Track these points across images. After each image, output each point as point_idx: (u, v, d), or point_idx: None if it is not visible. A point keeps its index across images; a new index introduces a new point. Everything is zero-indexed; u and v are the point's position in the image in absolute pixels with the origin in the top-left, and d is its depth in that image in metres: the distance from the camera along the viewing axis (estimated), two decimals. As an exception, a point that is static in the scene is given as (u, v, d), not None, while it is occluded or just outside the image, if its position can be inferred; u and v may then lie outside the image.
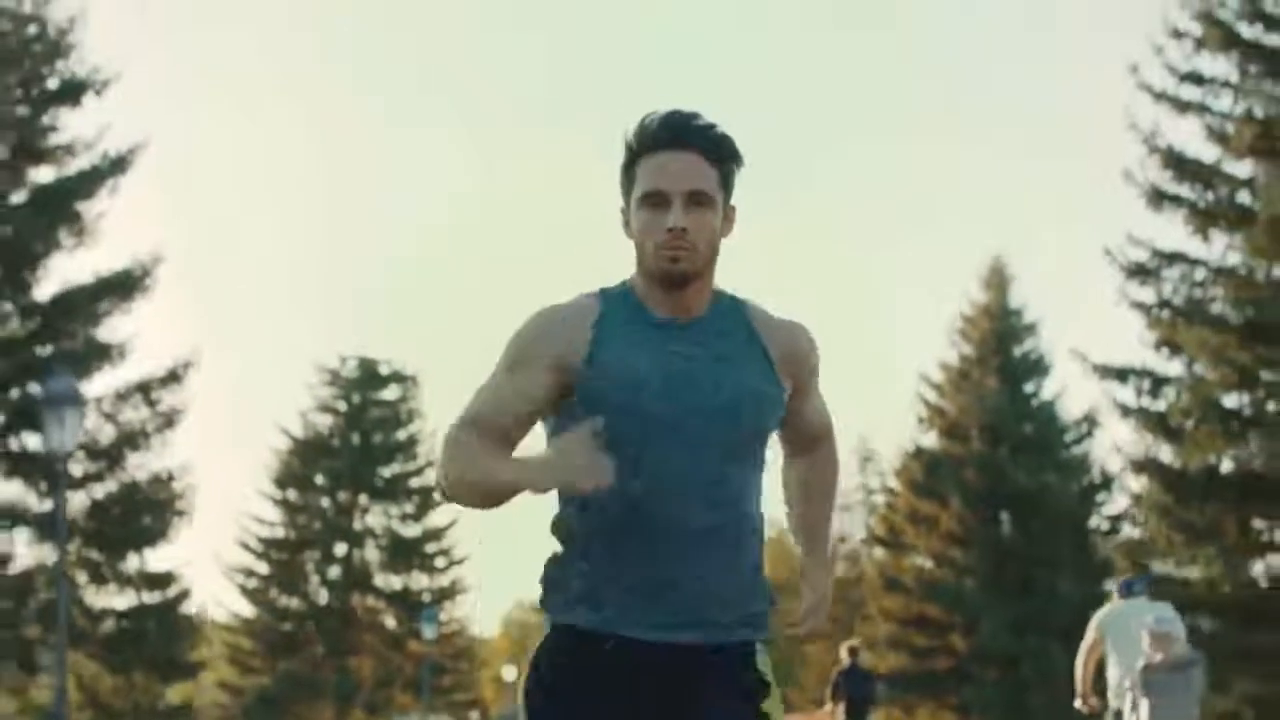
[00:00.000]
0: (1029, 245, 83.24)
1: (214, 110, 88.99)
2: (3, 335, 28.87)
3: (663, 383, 3.32)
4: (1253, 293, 28.32)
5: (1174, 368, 29.41)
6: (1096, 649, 11.98)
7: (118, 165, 29.40)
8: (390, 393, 49.47)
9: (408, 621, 47.33)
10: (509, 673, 63.33)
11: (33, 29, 29.39)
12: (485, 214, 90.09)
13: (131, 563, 30.14)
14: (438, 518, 48.57)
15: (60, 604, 19.49)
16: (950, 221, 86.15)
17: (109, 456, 29.69)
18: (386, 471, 48.60)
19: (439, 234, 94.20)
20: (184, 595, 31.38)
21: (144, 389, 29.96)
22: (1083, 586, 38.95)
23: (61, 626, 19.23)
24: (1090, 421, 43.59)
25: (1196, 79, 29.20)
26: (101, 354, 29.33)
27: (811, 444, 3.66)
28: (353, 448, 48.08)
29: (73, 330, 29.13)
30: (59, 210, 28.89)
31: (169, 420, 30.19)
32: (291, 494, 48.06)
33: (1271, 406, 28.19)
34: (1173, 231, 31.42)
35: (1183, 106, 29.19)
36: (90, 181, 29.23)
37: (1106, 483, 42.66)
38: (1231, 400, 28.81)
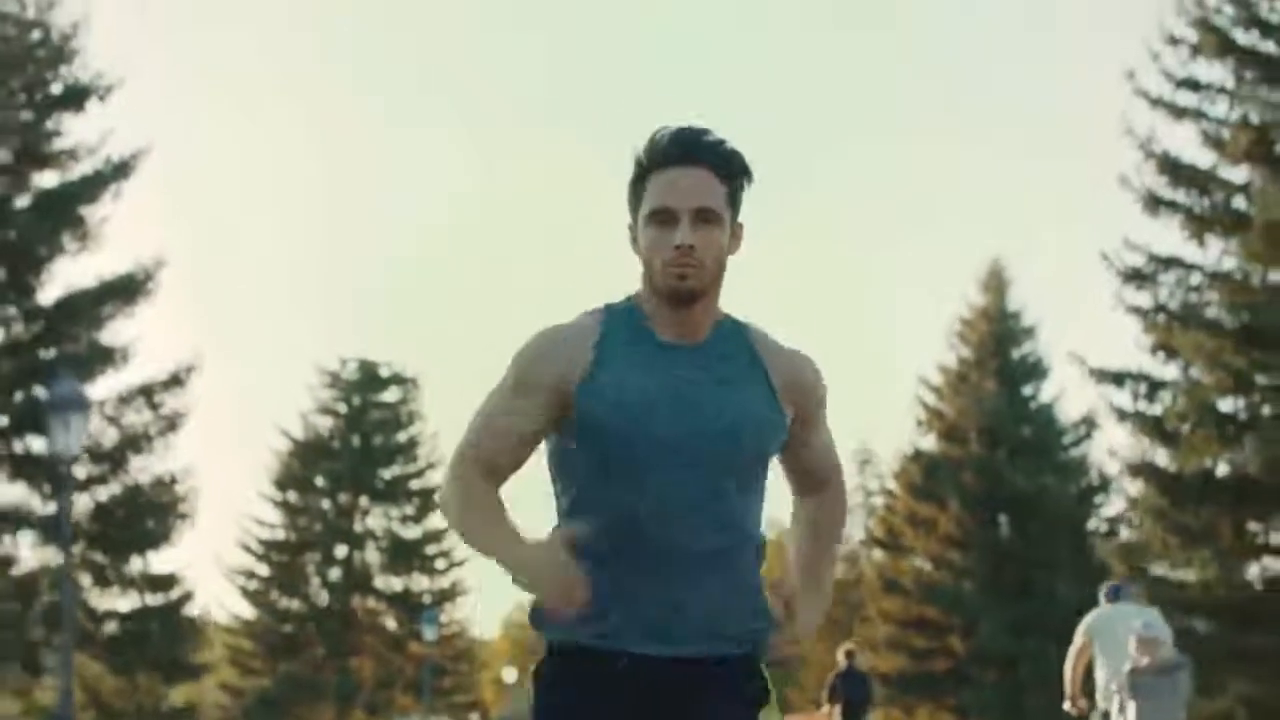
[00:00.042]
0: (1028, 247, 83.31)
1: (214, 112, 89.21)
2: (7, 339, 29.00)
3: (662, 406, 3.31)
4: (1248, 297, 28.41)
5: (1170, 372, 29.50)
6: (1085, 652, 12.20)
7: (121, 170, 29.53)
8: (390, 395, 49.57)
9: (408, 623, 47.41)
10: (509, 674, 63.42)
11: (36, 34, 29.52)
12: (485, 214, 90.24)
13: (135, 565, 30.26)
14: (438, 520, 48.60)
15: (66, 607, 19.63)
16: (949, 223, 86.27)
17: (112, 459, 29.81)
18: (387, 473, 48.69)
19: (439, 235, 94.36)
20: (187, 597, 31.51)
21: (147, 392, 30.08)
22: (1081, 588, 38.99)
23: (67, 629, 19.34)
24: (1088, 424, 43.68)
25: (1192, 85, 29.29)
26: (105, 357, 29.46)
27: (819, 485, 3.62)
28: (353, 450, 48.17)
29: (76, 334, 29.24)
30: (62, 214, 29.02)
31: (172, 423, 30.31)
32: (292, 496, 48.15)
33: (1267, 411, 28.26)
34: (1169, 236, 31.50)
35: (1179, 112, 29.27)
36: (93, 186, 29.36)
37: (1104, 485, 42.75)
38: (1227, 404, 28.88)
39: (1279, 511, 28.23)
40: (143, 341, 30.30)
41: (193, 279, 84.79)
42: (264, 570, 47.46)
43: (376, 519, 48.67)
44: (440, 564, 48.58)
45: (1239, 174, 29.12)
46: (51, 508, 28.20)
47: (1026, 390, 44.79)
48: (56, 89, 29.64)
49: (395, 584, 48.55)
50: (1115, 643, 11.81)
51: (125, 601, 30.57)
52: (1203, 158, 29.31)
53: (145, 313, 30.48)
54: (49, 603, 27.99)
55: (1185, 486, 28.47)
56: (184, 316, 62.21)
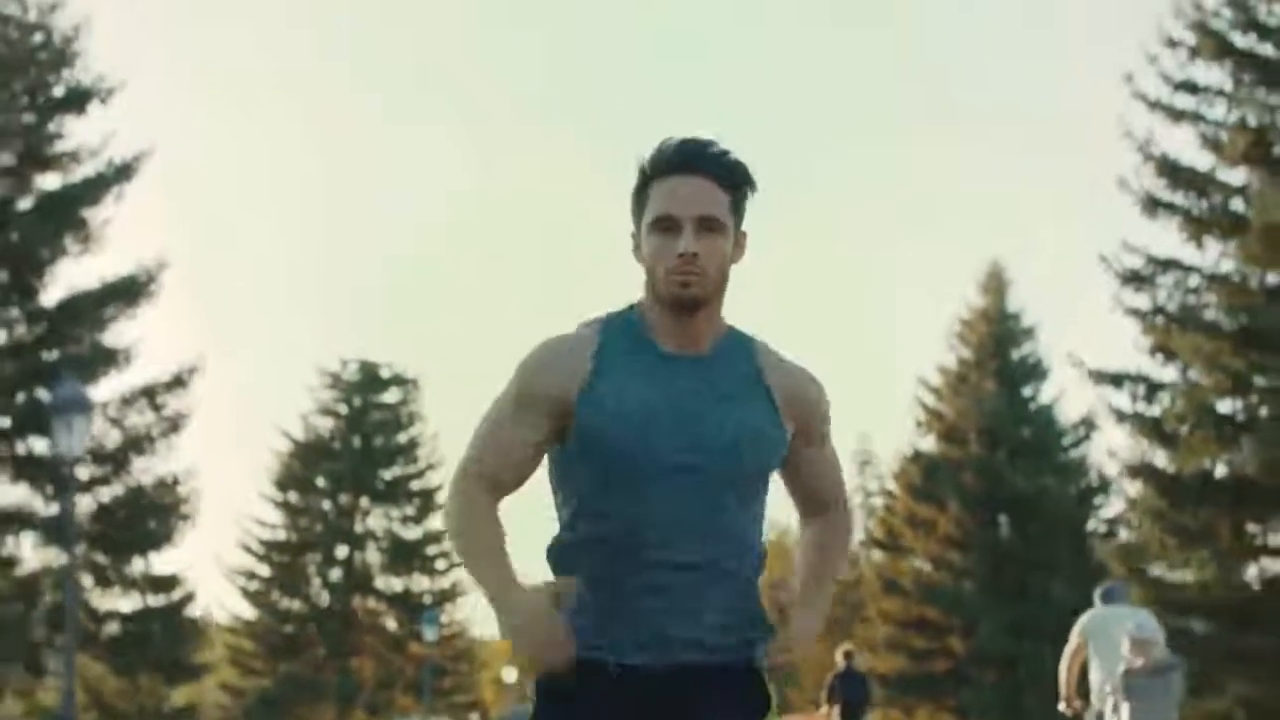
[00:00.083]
0: (1028, 247, 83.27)
1: (212, 112, 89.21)
2: (9, 340, 29.07)
3: (664, 418, 3.30)
4: (1246, 299, 28.47)
5: (1169, 373, 29.53)
6: (1080, 654, 12.31)
7: (123, 172, 29.60)
8: (391, 395, 49.66)
9: (409, 623, 47.48)
10: (509, 675, 63.48)
11: (38, 37, 29.58)
12: (484, 213, 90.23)
13: (136, 566, 30.33)
14: (438, 520, 48.68)
15: (69, 608, 19.71)
16: (949, 223, 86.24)
17: (114, 461, 29.88)
18: (387, 474, 48.77)
19: (438, 234, 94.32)
20: (189, 598, 31.58)
21: (149, 394, 30.15)
22: (1080, 589, 39.06)
23: (70, 630, 19.42)
24: (1088, 425, 43.72)
25: (1190, 88, 29.35)
26: (107, 359, 29.53)
27: (821, 508, 3.59)
28: (354, 450, 48.25)
29: (78, 335, 29.32)
30: (65, 217, 29.09)
31: (174, 425, 30.37)
32: (293, 496, 48.22)
33: (1265, 412, 28.31)
34: (1167, 238, 31.51)
35: (1177, 115, 29.32)
36: (96, 188, 29.43)
37: (1104, 486, 42.76)
38: (1225, 406, 28.93)
39: (1277, 512, 28.29)
40: (145, 343, 30.37)
41: (194, 280, 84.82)
42: (265, 571, 47.54)
43: (377, 519, 48.76)
44: (441, 564, 48.65)
45: (1237, 176, 29.19)
46: (54, 509, 28.29)
47: (1026, 391, 44.85)
48: (58, 91, 29.71)
49: (396, 584, 48.64)
50: (1109, 644, 11.91)
51: (127, 602, 30.66)
52: (1201, 160, 29.41)
53: (147, 314, 30.51)
54: (51, 603, 28.09)
55: (1184, 487, 28.54)
56: (186, 318, 62.27)
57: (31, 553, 28.98)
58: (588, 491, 3.34)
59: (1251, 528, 28.64)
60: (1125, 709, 11.35)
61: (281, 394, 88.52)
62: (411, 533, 48.76)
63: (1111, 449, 32.18)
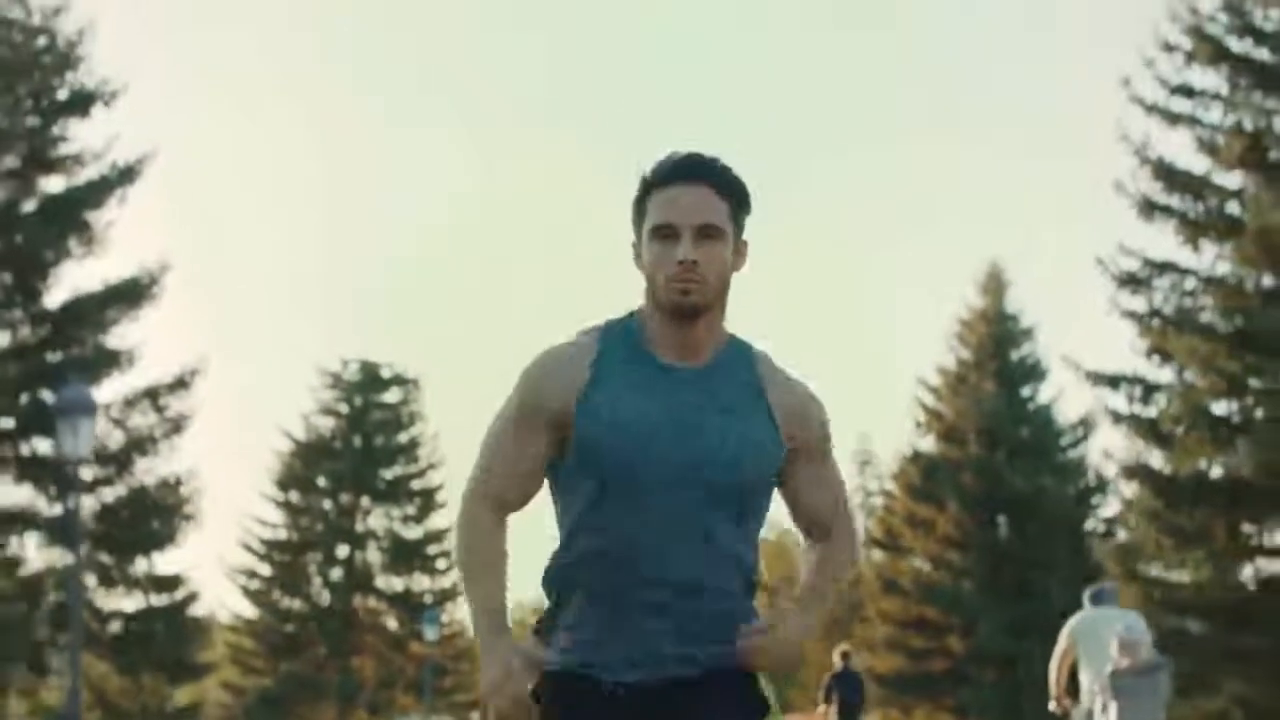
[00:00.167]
0: (1027, 248, 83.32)
1: (214, 114, 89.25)
2: (13, 342, 29.18)
3: (664, 430, 3.30)
4: (1242, 302, 28.57)
5: (1165, 375, 29.61)
6: (1069, 655, 12.55)
7: (126, 175, 29.65)
8: (392, 395, 49.72)
9: (409, 623, 47.54)
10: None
11: (42, 41, 29.64)
12: (485, 214, 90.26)
13: (140, 566, 30.45)
14: (439, 520, 48.82)
15: (73, 608, 19.85)
16: (948, 224, 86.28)
17: (118, 461, 29.96)
18: (388, 474, 48.83)
19: (440, 235, 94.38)
20: (192, 598, 31.67)
21: (152, 395, 30.24)
22: (1078, 589, 39.09)
23: (74, 629, 19.56)
24: (1086, 426, 43.76)
25: (1187, 92, 29.43)
26: (110, 361, 29.61)
27: (823, 531, 3.53)
28: (354, 450, 48.32)
29: (82, 337, 29.41)
30: (68, 219, 29.17)
31: (177, 426, 30.44)
32: (294, 496, 48.29)
33: (1260, 414, 28.43)
34: (1163, 241, 31.59)
35: (1173, 119, 29.40)
36: (99, 191, 29.50)
37: (1102, 486, 42.81)
38: (1221, 407, 29.03)
39: (1272, 513, 28.40)
40: (148, 345, 30.44)
41: (196, 282, 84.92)
42: (266, 570, 47.61)
43: (378, 519, 48.82)
44: (441, 564, 48.70)
45: (1233, 180, 29.26)
46: (57, 509, 28.42)
47: (1025, 392, 44.93)
48: (62, 95, 29.76)
49: (396, 584, 48.71)
50: (1098, 645, 12.13)
51: (130, 602, 30.73)
52: (1197, 164, 29.47)
53: (150, 316, 30.58)
54: (55, 603, 28.22)
55: (1179, 488, 28.64)
56: (188, 319, 62.32)
57: (35, 553, 29.13)
58: (586, 504, 3.34)
59: (1247, 528, 28.74)
60: (1113, 709, 11.58)
61: (283, 394, 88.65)
62: (412, 532, 48.85)
63: (1108, 450, 32.34)
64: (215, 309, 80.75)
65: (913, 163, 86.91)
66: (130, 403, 30.13)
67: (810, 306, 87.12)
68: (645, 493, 3.29)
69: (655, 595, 3.31)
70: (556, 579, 3.41)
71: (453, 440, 54.44)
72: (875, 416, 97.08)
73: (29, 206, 29.36)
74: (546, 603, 3.46)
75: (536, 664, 3.33)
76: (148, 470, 30.38)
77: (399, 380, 49.73)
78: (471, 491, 3.44)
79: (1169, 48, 29.39)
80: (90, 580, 29.30)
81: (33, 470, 28.60)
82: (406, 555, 48.43)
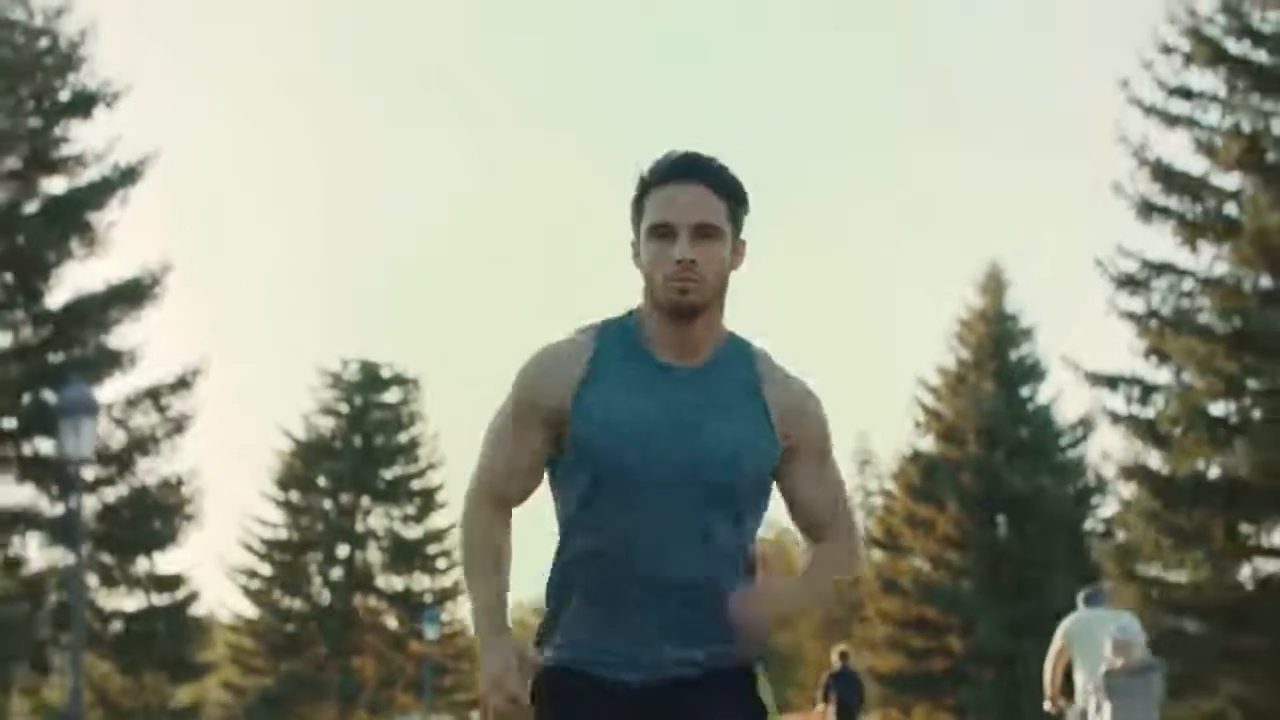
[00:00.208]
0: (1027, 248, 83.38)
1: (214, 114, 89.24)
2: (15, 343, 29.23)
3: (660, 429, 3.31)
4: (1239, 303, 28.62)
5: (1163, 376, 29.65)
6: (1063, 655, 12.73)
7: (127, 176, 29.69)
8: (392, 395, 49.76)
9: (409, 622, 47.57)
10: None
11: (44, 43, 29.67)
12: (485, 214, 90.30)
13: (141, 565, 30.51)
14: (439, 519, 48.89)
15: (75, 607, 19.94)
16: (948, 224, 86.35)
17: (119, 461, 30.01)
18: (388, 474, 48.87)
19: (440, 235, 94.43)
20: (193, 597, 31.74)
21: (153, 395, 30.29)
22: (1078, 589, 39.22)
23: (77, 629, 19.65)
24: (1085, 426, 43.76)
25: (1185, 93, 29.48)
26: (112, 361, 29.65)
27: (823, 528, 3.49)
28: (355, 450, 48.36)
29: (84, 338, 29.46)
30: (70, 220, 29.21)
31: (178, 426, 30.49)
32: (294, 496, 48.32)
33: (1257, 414, 28.49)
34: (1162, 243, 31.66)
35: (1172, 120, 29.46)
36: (101, 192, 29.53)
37: (1101, 486, 42.82)
38: (1218, 408, 29.07)
39: (1270, 513, 28.47)
40: (149, 345, 30.51)
41: (196, 282, 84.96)
42: (266, 570, 47.64)
43: (378, 519, 48.87)
44: (441, 563, 48.75)
45: (1231, 181, 29.30)
46: (59, 509, 28.49)
47: (1024, 392, 44.96)
48: (64, 96, 29.79)
49: (396, 583, 48.75)
50: (1092, 646, 12.28)
51: (132, 601, 30.79)
52: (1195, 165, 29.51)
53: (152, 316, 30.64)
54: (57, 602, 28.29)
55: (1177, 489, 28.69)
56: (190, 320, 62.32)
57: (37, 553, 29.18)
58: (582, 503, 3.36)
59: (1244, 528, 28.78)
60: (1107, 708, 11.73)
61: (284, 395, 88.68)
62: (412, 532, 48.90)
63: (1106, 451, 32.43)
64: (216, 309, 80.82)
65: (913, 163, 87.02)
66: (132, 403, 30.18)
67: (810, 306, 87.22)
68: (641, 491, 3.30)
69: (652, 594, 3.33)
70: (555, 577, 3.43)
71: (453, 440, 54.54)
72: (875, 416, 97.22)
73: (31, 207, 29.41)
74: (546, 601, 3.48)
75: (534, 663, 3.34)
76: (149, 470, 30.45)
77: (399, 380, 49.78)
78: (472, 489, 3.47)
79: (1167, 49, 29.45)
80: (92, 580, 29.34)
81: (35, 470, 28.65)
82: (406, 555, 48.48)
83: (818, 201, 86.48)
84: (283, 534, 48.03)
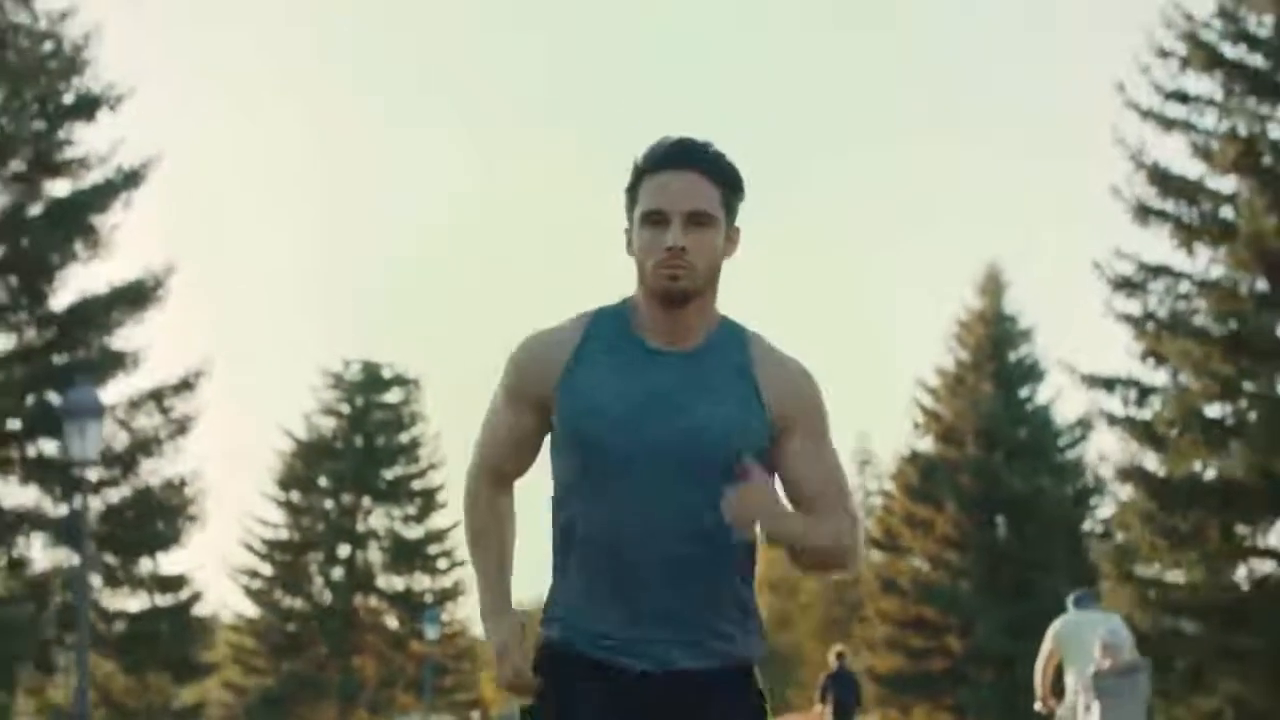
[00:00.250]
0: (1027, 249, 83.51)
1: (216, 114, 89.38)
2: (20, 345, 29.26)
3: (643, 413, 3.32)
4: (1235, 306, 28.69)
5: (1159, 378, 29.71)
6: (1054, 657, 12.98)
7: (131, 179, 29.68)
8: (393, 396, 49.90)
9: (410, 622, 47.70)
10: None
11: (49, 46, 29.69)
12: (485, 214, 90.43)
13: (145, 566, 30.59)
14: (440, 519, 49.06)
15: (80, 608, 20.07)
16: (948, 224, 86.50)
17: (123, 462, 30.03)
18: (389, 474, 49.01)
19: (440, 235, 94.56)
20: (196, 598, 31.81)
21: (157, 397, 30.34)
22: (1077, 589, 39.33)
23: (82, 630, 19.78)
24: (1084, 426, 43.88)
25: (1181, 97, 29.52)
26: (115, 363, 29.68)
27: (812, 507, 3.41)
28: (356, 450, 48.50)
29: (88, 340, 29.48)
30: (74, 223, 29.19)
31: (181, 427, 30.52)
32: (295, 496, 48.47)
33: (1253, 416, 28.54)
34: (1158, 246, 31.78)
35: (1168, 124, 29.52)
36: (104, 195, 29.51)
37: (1100, 487, 42.93)
38: (1214, 410, 29.12)
39: (1265, 514, 28.55)
40: (153, 347, 30.54)
41: (198, 284, 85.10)
42: (267, 570, 47.79)
43: (379, 519, 49.01)
44: (442, 564, 48.89)
45: (1227, 184, 29.32)
46: (63, 510, 28.60)
47: (1023, 393, 45.10)
48: (68, 99, 29.71)
49: (397, 583, 48.89)
50: (1082, 647, 12.53)
51: (135, 602, 30.80)
52: (1192, 168, 29.55)
53: (155, 318, 30.67)
54: (61, 603, 28.38)
55: (1174, 490, 28.76)
56: (191, 321, 62.39)
57: (42, 553, 29.23)
58: (572, 486, 3.39)
59: (1240, 529, 28.82)
60: (1096, 708, 12.00)
61: (285, 395, 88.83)
62: (413, 532, 49.04)
63: (1103, 452, 32.56)
64: (217, 310, 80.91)
65: (912, 163, 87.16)
66: (135, 404, 30.19)
67: (810, 306, 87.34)
68: (629, 475, 3.32)
69: (642, 576, 3.33)
70: (553, 558, 3.46)
71: (453, 440, 54.62)
72: (874, 417, 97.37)
73: (35, 210, 29.40)
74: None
75: (537, 635, 3.44)
76: (153, 471, 30.45)
77: (400, 380, 49.92)
78: (473, 465, 3.55)
79: (1164, 53, 29.53)
80: (96, 580, 29.38)
81: (39, 471, 28.69)
82: (407, 555, 48.61)
83: (817, 201, 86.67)
84: (284, 534, 48.17)
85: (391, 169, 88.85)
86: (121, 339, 30.09)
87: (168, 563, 31.07)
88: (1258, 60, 29.27)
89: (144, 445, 30.29)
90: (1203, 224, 29.25)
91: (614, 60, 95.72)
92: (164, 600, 31.05)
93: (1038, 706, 13.07)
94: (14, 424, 28.84)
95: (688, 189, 3.32)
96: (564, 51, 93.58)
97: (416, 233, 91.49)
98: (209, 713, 41.44)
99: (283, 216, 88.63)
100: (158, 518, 30.41)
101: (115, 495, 30.22)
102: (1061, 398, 44.71)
